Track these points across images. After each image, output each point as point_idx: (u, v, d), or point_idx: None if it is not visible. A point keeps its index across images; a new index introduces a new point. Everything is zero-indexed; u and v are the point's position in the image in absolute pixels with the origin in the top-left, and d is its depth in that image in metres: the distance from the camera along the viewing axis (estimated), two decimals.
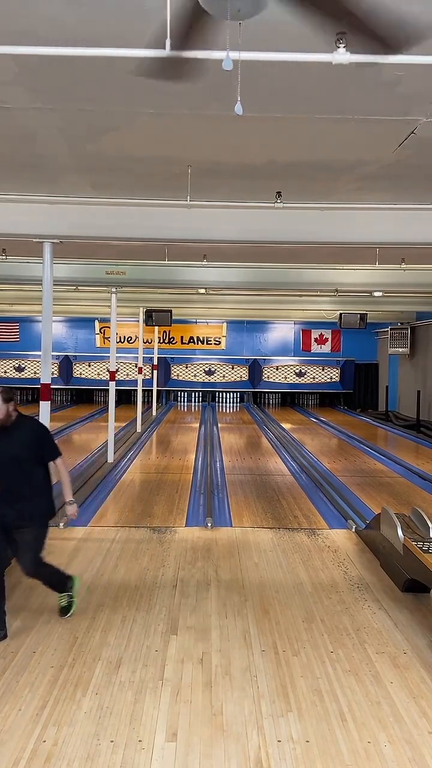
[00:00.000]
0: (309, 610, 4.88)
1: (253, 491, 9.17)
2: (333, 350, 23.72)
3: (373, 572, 5.74)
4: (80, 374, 23.59)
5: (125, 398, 22.03)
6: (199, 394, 23.96)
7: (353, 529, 7.08)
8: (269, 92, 4.06)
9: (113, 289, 11.64)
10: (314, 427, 18.01)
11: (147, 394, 19.76)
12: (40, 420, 6.94)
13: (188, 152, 5.32)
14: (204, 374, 23.81)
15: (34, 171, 5.87)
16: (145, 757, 3.09)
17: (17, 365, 23.38)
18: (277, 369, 23.65)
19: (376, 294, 12.92)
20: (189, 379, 23.86)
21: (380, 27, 3.09)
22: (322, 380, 23.79)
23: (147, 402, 19.57)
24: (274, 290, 13.50)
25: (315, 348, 23.74)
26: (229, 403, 23.89)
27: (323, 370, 23.72)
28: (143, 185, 6.26)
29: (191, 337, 23.79)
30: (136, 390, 16.67)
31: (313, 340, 23.70)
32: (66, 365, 23.38)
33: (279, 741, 3.22)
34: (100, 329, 23.54)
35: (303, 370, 23.67)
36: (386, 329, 20.38)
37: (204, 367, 23.78)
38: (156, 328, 19.10)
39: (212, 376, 23.83)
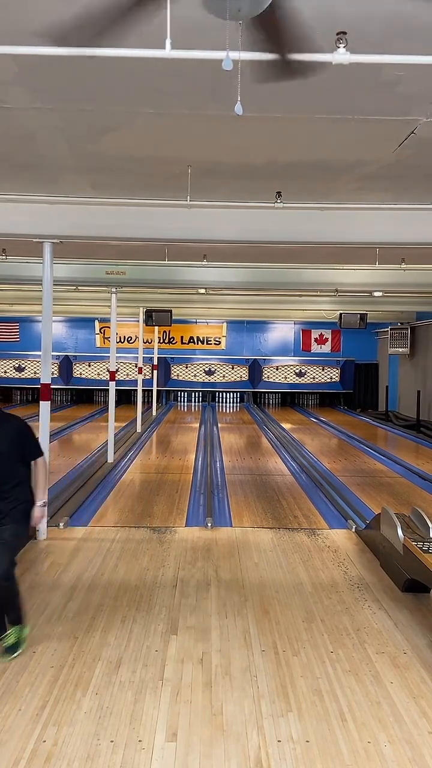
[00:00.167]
0: (309, 610, 4.88)
1: (253, 491, 9.17)
2: (333, 350, 23.72)
3: (373, 572, 5.74)
4: (80, 374, 23.59)
5: (125, 398, 22.04)
6: (199, 394, 23.96)
7: (353, 529, 7.08)
8: (269, 92, 4.06)
9: (113, 289, 11.64)
10: (314, 427, 18.01)
11: (147, 394, 19.77)
12: (40, 420, 6.95)
13: (188, 152, 5.32)
14: (204, 374, 23.81)
15: (34, 171, 5.87)
16: (145, 757, 3.09)
17: (17, 365, 23.38)
18: (277, 369, 23.66)
19: (376, 294, 12.92)
20: (189, 379, 23.86)
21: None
22: (322, 380, 23.80)
23: (147, 402, 19.57)
24: (274, 290, 13.50)
25: (315, 348, 23.74)
26: (229, 403, 23.89)
27: (323, 370, 23.72)
28: (143, 185, 6.26)
29: (191, 337, 23.79)
30: (136, 390, 16.68)
31: (313, 340, 23.71)
32: (66, 365, 23.38)
33: (279, 741, 3.23)
34: (100, 329, 23.54)
35: (303, 370, 23.68)
36: (386, 329, 20.39)
37: (204, 367, 23.78)
38: (156, 328, 19.11)
39: (212, 376, 23.83)
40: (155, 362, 20.09)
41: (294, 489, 9.40)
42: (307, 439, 15.18)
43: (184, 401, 24.08)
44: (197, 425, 17.54)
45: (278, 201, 6.27)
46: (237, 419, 19.67)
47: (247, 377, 23.75)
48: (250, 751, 3.15)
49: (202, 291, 13.56)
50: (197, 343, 23.84)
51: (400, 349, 19.70)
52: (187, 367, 23.82)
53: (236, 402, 23.90)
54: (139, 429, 15.47)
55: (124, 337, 22.50)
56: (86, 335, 23.57)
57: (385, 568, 5.72)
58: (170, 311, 15.05)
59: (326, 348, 23.73)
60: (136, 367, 19.29)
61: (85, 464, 10.96)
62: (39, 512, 4.39)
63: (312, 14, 3.10)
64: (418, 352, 19.38)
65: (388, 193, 6.33)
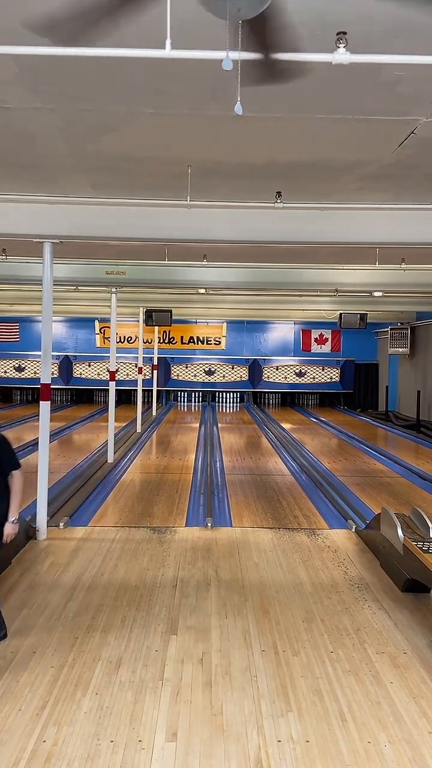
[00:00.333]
0: (309, 610, 4.88)
1: (253, 491, 9.17)
2: (333, 350, 23.72)
3: (373, 572, 5.74)
4: (80, 374, 23.59)
5: (125, 398, 22.04)
6: (199, 394, 23.97)
7: (353, 529, 7.08)
8: (269, 92, 4.06)
9: (113, 289, 11.64)
10: (314, 427, 18.01)
11: (147, 394, 19.77)
12: (40, 420, 6.95)
13: (188, 152, 5.32)
14: (204, 374, 23.82)
15: (34, 171, 5.87)
16: (145, 757, 3.09)
17: (17, 365, 23.38)
18: (277, 369, 23.66)
19: (376, 294, 12.92)
20: (189, 379, 23.86)
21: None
22: (322, 380, 23.80)
23: (147, 402, 19.57)
24: (274, 290, 13.50)
25: (315, 348, 23.74)
26: (229, 403, 23.89)
27: (323, 370, 23.72)
28: (143, 185, 6.26)
29: (191, 337, 23.79)
30: (136, 390, 16.68)
31: (313, 340, 23.71)
32: (66, 365, 23.39)
33: (279, 741, 3.22)
34: (100, 329, 23.55)
35: (303, 370, 23.68)
36: (386, 329, 20.39)
37: (204, 367, 23.78)
38: (156, 328, 19.11)
39: (212, 376, 23.83)
40: (155, 362, 20.10)
41: (294, 489, 9.40)
42: (307, 439, 15.18)
43: (184, 401, 24.08)
44: (197, 425, 17.55)
45: (278, 201, 6.27)
46: (237, 419, 19.68)
47: (247, 377, 23.76)
48: (250, 751, 3.15)
49: (202, 291, 13.56)
50: (197, 343, 23.84)
51: (400, 349, 19.70)
52: (187, 367, 23.82)
53: (236, 402, 23.90)
54: (139, 429, 15.47)
55: (124, 337, 22.50)
56: (86, 335, 23.58)
57: (385, 568, 5.72)
58: (170, 311, 15.05)
59: (326, 348, 23.74)
60: (136, 367, 19.29)
61: (85, 464, 10.96)
62: (9, 529, 4.26)
63: (310, 15, 3.10)
64: (418, 352, 19.38)
65: (388, 193, 6.33)
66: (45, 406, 6.91)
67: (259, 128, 4.71)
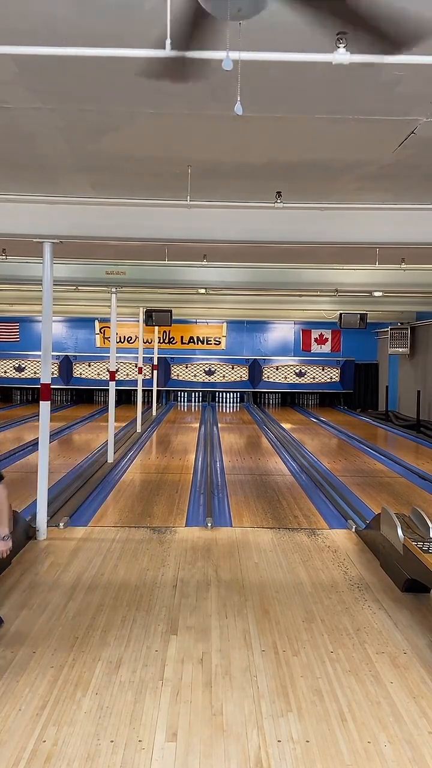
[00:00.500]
0: (309, 610, 4.88)
1: (253, 491, 9.17)
2: (333, 350, 23.72)
3: (373, 572, 5.74)
4: (80, 374, 23.60)
5: (125, 398, 22.05)
6: (199, 394, 23.96)
7: (353, 529, 7.08)
8: (269, 92, 4.06)
9: (113, 289, 11.64)
10: (314, 427, 18.01)
11: (147, 394, 19.77)
12: (40, 420, 6.95)
13: (188, 152, 5.32)
14: (204, 374, 23.82)
15: (34, 171, 5.87)
16: (145, 757, 3.09)
17: (17, 365, 23.38)
18: (277, 369, 23.66)
19: (376, 294, 12.92)
20: (189, 379, 23.86)
21: (382, 24, 3.08)
22: (322, 380, 23.80)
23: (147, 402, 19.57)
24: (274, 290, 13.50)
25: (315, 348, 23.74)
26: (229, 403, 23.89)
27: (323, 370, 23.72)
28: (143, 185, 6.26)
29: (191, 337, 23.80)
30: (136, 390, 16.68)
31: (313, 340, 23.71)
32: (66, 365, 23.39)
33: (279, 741, 3.22)
34: (100, 329, 23.55)
35: (303, 370, 23.68)
36: (386, 329, 20.38)
37: (204, 367, 23.78)
38: (156, 328, 19.10)
39: (212, 376, 23.84)
40: (155, 362, 20.10)
41: (294, 489, 9.40)
42: (307, 439, 15.18)
43: (184, 401, 24.09)
44: (197, 425, 17.55)
45: (278, 201, 6.27)
46: (237, 419, 19.68)
47: (247, 377, 23.76)
48: (250, 751, 3.15)
49: (202, 291, 13.55)
50: (197, 343, 23.84)
51: (400, 349, 19.70)
52: (187, 367, 23.82)
53: (236, 402, 23.90)
54: (139, 429, 15.47)
55: (124, 337, 22.50)
56: (86, 335, 23.58)
57: (385, 568, 5.72)
58: (170, 311, 15.05)
59: (326, 348, 23.74)
60: (136, 367, 19.29)
61: (85, 464, 10.96)
62: (2, 546, 4.13)
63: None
64: (418, 352, 19.38)
65: (388, 193, 6.33)
66: (45, 406, 6.91)
67: (259, 128, 4.71)
